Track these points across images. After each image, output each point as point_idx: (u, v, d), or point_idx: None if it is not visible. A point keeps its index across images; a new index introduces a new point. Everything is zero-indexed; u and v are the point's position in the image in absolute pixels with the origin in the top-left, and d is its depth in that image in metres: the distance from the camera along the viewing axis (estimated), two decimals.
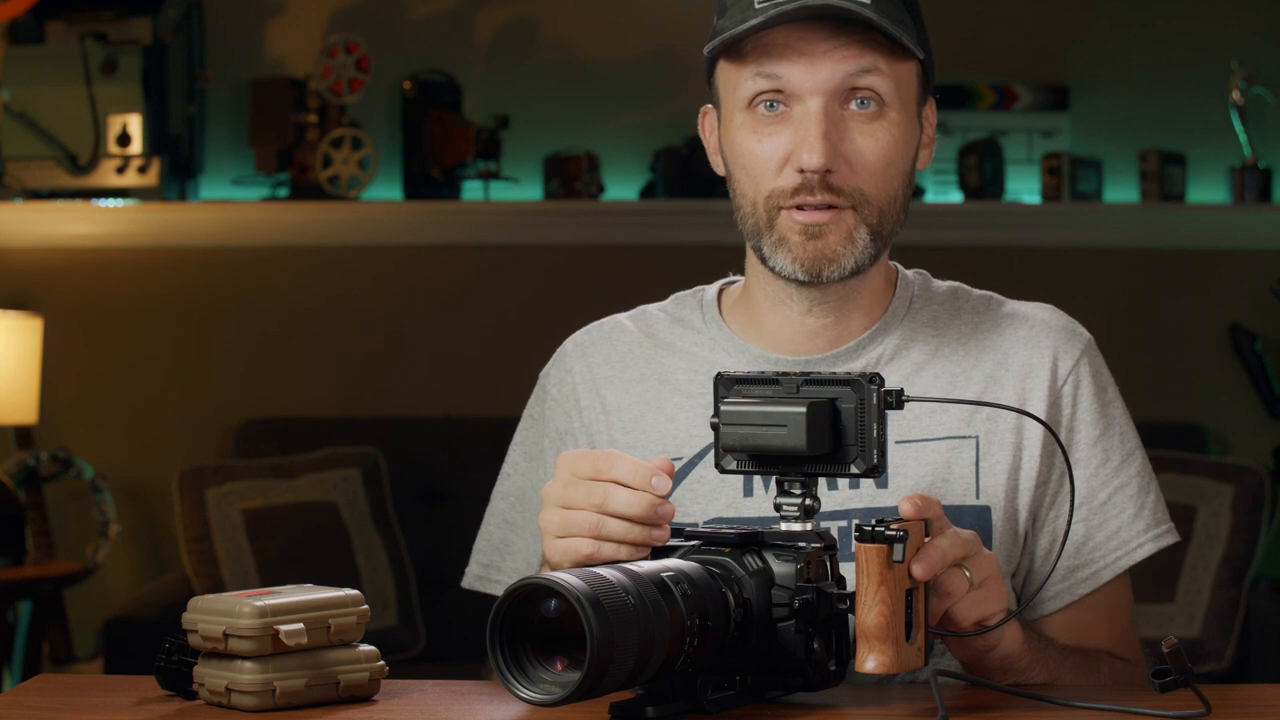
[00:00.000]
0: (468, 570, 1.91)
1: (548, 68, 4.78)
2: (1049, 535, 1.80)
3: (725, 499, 1.78)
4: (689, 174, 4.61)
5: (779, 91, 1.73)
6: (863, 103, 1.73)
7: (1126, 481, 1.81)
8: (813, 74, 1.71)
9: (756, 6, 1.71)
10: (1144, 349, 4.62)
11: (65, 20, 4.63)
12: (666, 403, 1.84)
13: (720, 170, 1.83)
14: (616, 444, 1.84)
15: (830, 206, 1.73)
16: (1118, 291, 4.69)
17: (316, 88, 4.61)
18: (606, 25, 4.78)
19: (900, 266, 1.88)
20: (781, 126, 1.73)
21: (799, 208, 1.73)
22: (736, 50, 1.75)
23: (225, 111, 4.77)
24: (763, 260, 1.78)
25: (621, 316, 1.92)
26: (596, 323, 1.92)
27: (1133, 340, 4.60)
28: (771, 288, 1.81)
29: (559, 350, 1.92)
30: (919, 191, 4.64)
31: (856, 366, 1.80)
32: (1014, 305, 1.86)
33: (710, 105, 1.84)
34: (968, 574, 1.53)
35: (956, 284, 1.89)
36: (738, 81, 1.75)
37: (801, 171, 1.72)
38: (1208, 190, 4.71)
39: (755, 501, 1.77)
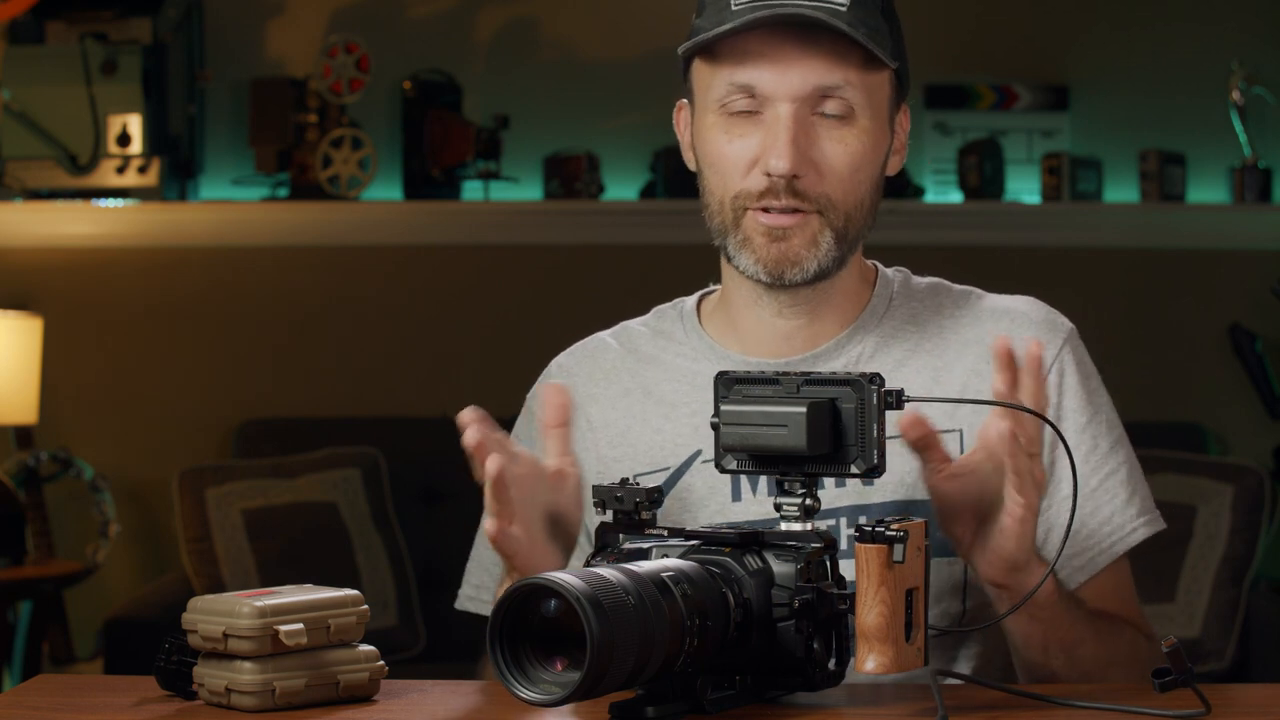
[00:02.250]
0: (460, 591, 1.91)
1: (548, 68, 4.78)
2: (1042, 526, 1.80)
3: (714, 505, 1.79)
4: (689, 174, 4.58)
5: (750, 95, 1.73)
6: (833, 110, 1.73)
7: (1116, 468, 1.81)
8: (783, 80, 1.72)
9: (733, 8, 1.72)
10: (1144, 349, 4.62)
11: (65, 20, 4.63)
12: (651, 415, 1.84)
13: (692, 166, 1.84)
14: (604, 459, 1.85)
15: (795, 211, 1.73)
16: (1118, 291, 4.68)
17: (316, 88, 4.61)
18: (606, 25, 4.78)
19: (879, 265, 1.89)
20: (752, 128, 1.74)
21: (765, 210, 1.74)
22: (711, 51, 1.76)
23: (225, 111, 4.77)
24: (729, 260, 1.79)
25: (604, 334, 1.93)
26: (580, 342, 1.94)
27: (1133, 340, 4.60)
28: (744, 289, 1.82)
29: (544, 372, 1.93)
30: (919, 191, 4.65)
31: (837, 365, 1.81)
32: (995, 299, 1.87)
33: (685, 100, 1.85)
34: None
35: (937, 280, 1.90)
36: (711, 82, 1.77)
37: (769, 175, 1.72)
38: (1208, 190, 4.71)
39: (744, 506, 1.78)
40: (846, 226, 1.76)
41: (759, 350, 1.83)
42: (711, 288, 1.91)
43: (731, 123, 1.75)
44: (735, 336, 1.85)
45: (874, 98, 1.75)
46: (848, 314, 1.83)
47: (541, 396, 1.68)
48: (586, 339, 1.93)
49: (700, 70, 1.79)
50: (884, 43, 1.73)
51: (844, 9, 1.71)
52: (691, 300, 1.91)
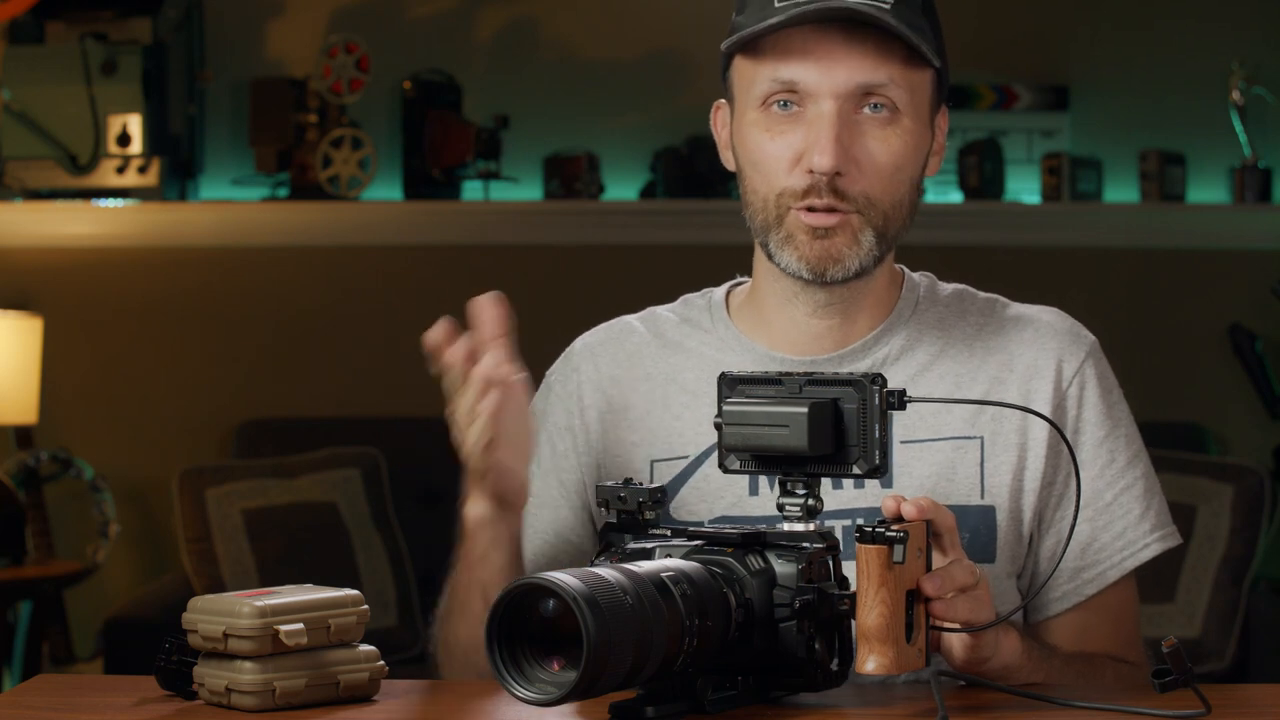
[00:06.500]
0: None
1: (548, 68, 4.78)
2: (1055, 536, 1.80)
3: (730, 497, 1.79)
4: (689, 174, 4.61)
5: (793, 91, 1.73)
6: (876, 107, 1.73)
7: (1132, 483, 1.81)
8: (828, 77, 1.72)
9: (776, 5, 1.72)
10: (1144, 349, 4.62)
11: (65, 20, 4.63)
12: (673, 402, 1.84)
13: (730, 165, 1.83)
14: (622, 442, 1.85)
15: (835, 210, 1.73)
16: (1118, 291, 4.68)
17: (316, 88, 4.61)
18: (606, 25, 4.78)
19: (906, 269, 1.89)
20: (794, 126, 1.74)
21: (808, 209, 1.74)
22: (754, 48, 1.75)
23: (225, 111, 4.77)
24: (769, 256, 1.78)
25: (630, 318, 1.93)
26: (605, 324, 1.93)
27: (1133, 340, 4.60)
28: (778, 286, 1.81)
29: (567, 350, 1.93)
30: (921, 194, 4.64)
31: (862, 367, 1.81)
32: (1019, 308, 1.87)
33: (723, 100, 1.84)
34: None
35: (962, 286, 1.89)
36: (753, 80, 1.76)
37: (811, 172, 1.72)
38: (1208, 190, 4.71)
39: (760, 500, 1.77)
40: (886, 225, 1.76)
41: (787, 347, 1.83)
42: (740, 279, 1.91)
43: (773, 121, 1.75)
44: (764, 332, 1.84)
45: (916, 97, 1.75)
46: (877, 316, 1.83)
47: (477, 308, 1.68)
48: (612, 320, 1.93)
49: (741, 67, 1.78)
50: (927, 41, 1.73)
51: (888, 7, 1.70)
52: (720, 291, 1.91)
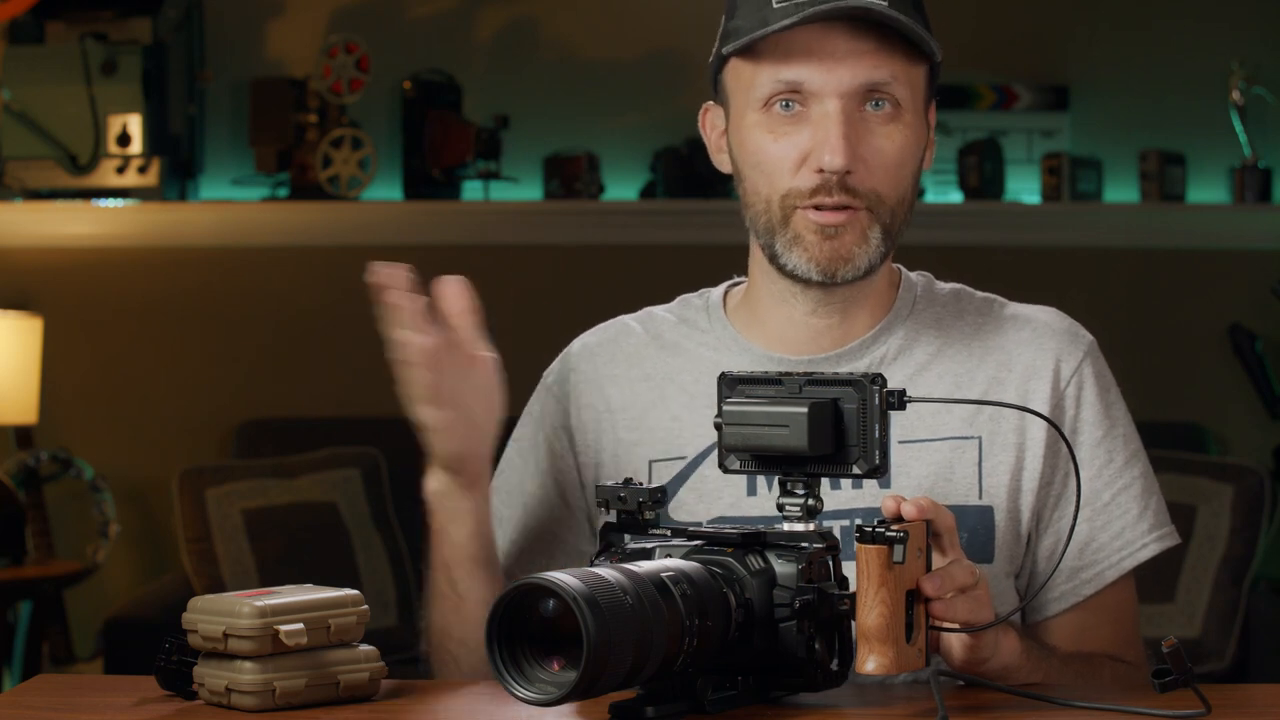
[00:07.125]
0: None
1: (548, 68, 4.78)
2: (1053, 536, 1.80)
3: (729, 498, 1.79)
4: (689, 174, 4.61)
5: (796, 92, 1.73)
6: (878, 104, 1.73)
7: (1130, 482, 1.81)
8: (832, 76, 1.72)
9: (775, 6, 1.71)
10: (1144, 349, 4.62)
11: (65, 20, 4.63)
12: (671, 402, 1.84)
13: (724, 168, 1.83)
14: (620, 442, 1.85)
15: (845, 207, 1.73)
16: (1118, 291, 4.68)
17: (316, 88, 4.61)
18: (606, 25, 4.78)
19: (903, 269, 1.89)
20: (798, 126, 1.74)
21: (816, 208, 1.74)
22: (752, 50, 1.75)
23: (225, 111, 4.77)
24: (774, 259, 1.78)
25: (628, 318, 1.93)
26: (603, 325, 1.93)
27: (1133, 340, 4.60)
28: (776, 287, 1.81)
29: (564, 351, 1.93)
30: (919, 192, 4.64)
31: (860, 366, 1.80)
32: (1017, 307, 1.87)
33: (711, 102, 1.84)
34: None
35: (960, 286, 1.89)
36: (753, 81, 1.75)
37: (821, 171, 1.72)
38: (1208, 190, 4.71)
39: (759, 501, 1.77)
40: (893, 221, 1.76)
41: (784, 347, 1.83)
42: (737, 280, 1.91)
43: (776, 122, 1.74)
44: (761, 332, 1.84)
45: (915, 92, 1.76)
46: (875, 315, 1.83)
47: (441, 287, 1.74)
48: (610, 321, 1.93)
49: (739, 70, 1.77)
50: (925, 36, 1.74)
51: (886, 3, 1.71)
52: (718, 291, 1.91)
